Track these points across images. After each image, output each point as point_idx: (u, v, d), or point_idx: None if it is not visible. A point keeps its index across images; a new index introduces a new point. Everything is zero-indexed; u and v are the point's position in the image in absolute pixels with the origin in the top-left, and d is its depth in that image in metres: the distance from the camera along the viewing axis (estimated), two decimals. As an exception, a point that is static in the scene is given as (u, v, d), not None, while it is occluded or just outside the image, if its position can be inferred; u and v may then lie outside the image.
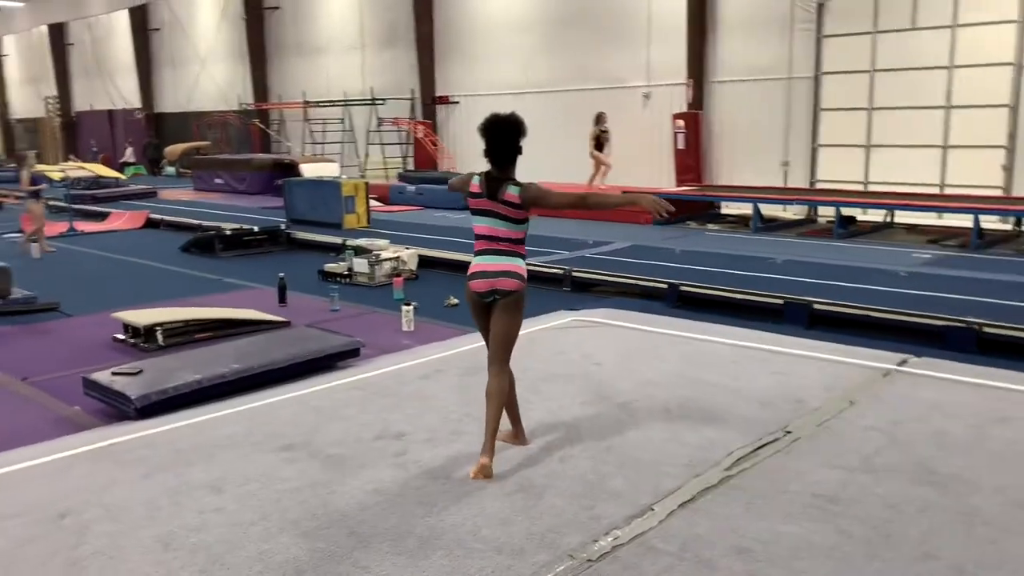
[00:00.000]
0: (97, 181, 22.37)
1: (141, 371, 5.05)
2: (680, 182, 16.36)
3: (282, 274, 8.00)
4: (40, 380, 5.65)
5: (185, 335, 6.62)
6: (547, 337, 6.11)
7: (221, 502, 3.44)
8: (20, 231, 13.82)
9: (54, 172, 22.30)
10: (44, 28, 34.12)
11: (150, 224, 14.50)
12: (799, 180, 15.37)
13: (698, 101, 16.27)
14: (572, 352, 5.68)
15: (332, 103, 22.78)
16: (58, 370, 5.88)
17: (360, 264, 8.89)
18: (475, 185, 3.86)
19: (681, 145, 16.38)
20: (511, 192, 3.78)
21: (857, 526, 3.17)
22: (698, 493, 3.46)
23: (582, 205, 4.36)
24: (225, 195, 19.30)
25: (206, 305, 7.65)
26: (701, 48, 16.15)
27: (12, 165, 26.52)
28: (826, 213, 13.32)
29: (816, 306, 6.87)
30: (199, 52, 28.38)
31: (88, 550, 3.04)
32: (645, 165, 16.68)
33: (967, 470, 3.67)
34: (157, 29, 30.19)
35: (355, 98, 22.40)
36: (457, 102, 21.16)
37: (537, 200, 3.84)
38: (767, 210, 14.22)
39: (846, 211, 12.77)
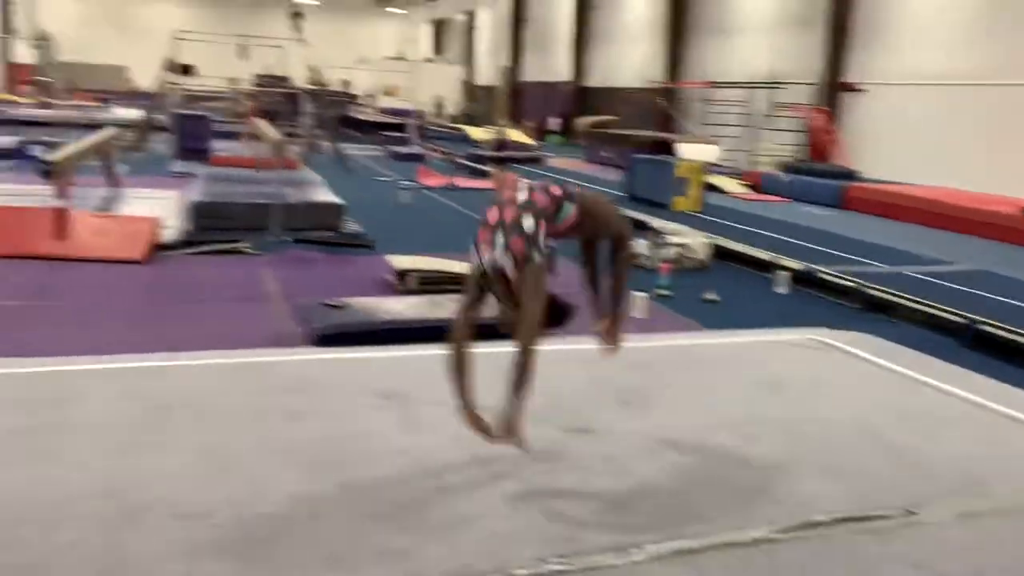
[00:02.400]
0: (512, 144, 24.65)
1: (344, 306, 5.63)
2: None
3: (553, 245, 8.18)
4: (300, 302, 6.54)
5: (437, 283, 7.16)
6: (762, 352, 5.49)
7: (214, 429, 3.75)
8: (414, 181, 15.87)
9: (476, 133, 25.07)
10: (509, 2, 38.21)
11: (518, 186, 15.62)
12: None
13: None
14: (762, 371, 5.04)
15: (733, 84, 22.28)
16: (321, 296, 6.74)
17: (642, 246, 8.72)
18: None
19: None
20: None
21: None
22: (707, 547, 2.94)
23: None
24: (605, 168, 20.03)
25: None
26: None
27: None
28: None
29: None
30: (626, 29, 29.55)
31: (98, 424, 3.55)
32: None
33: None
34: (596, 8, 32.03)
35: (757, 81, 21.64)
36: (866, 90, 19.34)
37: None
38: None
39: None
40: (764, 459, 3.73)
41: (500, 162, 11.85)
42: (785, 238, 10.52)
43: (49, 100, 25.91)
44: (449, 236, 10.47)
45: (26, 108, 24.09)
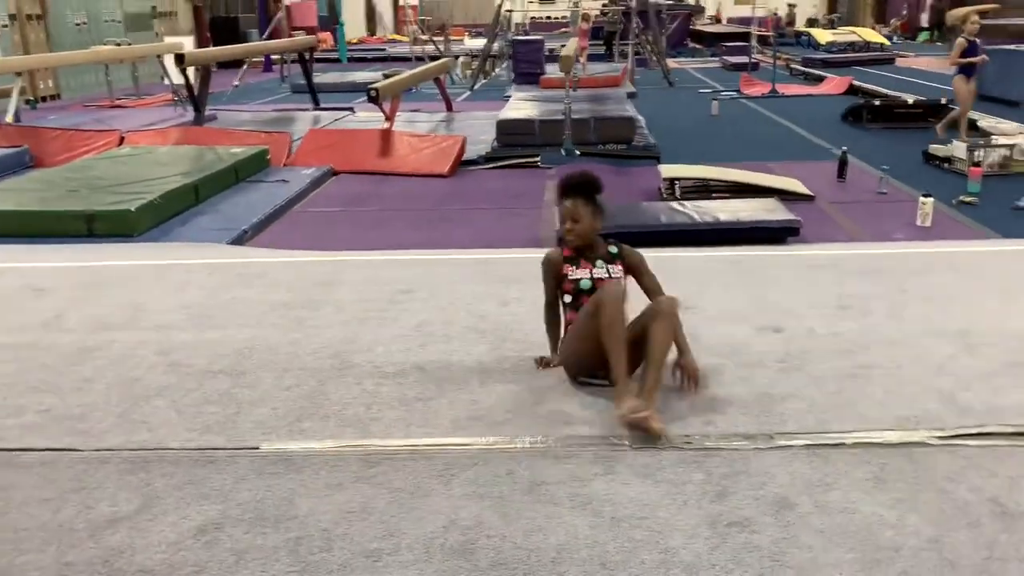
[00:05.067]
0: (867, 45, 22.69)
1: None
2: None
3: (845, 148, 7.66)
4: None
5: (702, 192, 7.14)
6: None
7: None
8: (737, 91, 15.38)
9: (823, 36, 23.28)
10: None
11: (852, 91, 14.40)
12: None
13: None
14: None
15: None
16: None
17: (959, 148, 7.75)
18: None
19: None
20: None
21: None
22: (799, 445, 2.84)
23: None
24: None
25: (762, 171, 7.84)
26: None
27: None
28: None
29: None
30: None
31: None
32: None
33: None
34: None
35: None
36: None
37: None
38: None
39: None
40: (967, 369, 3.40)
41: (965, 71, 9.01)
42: None
43: (421, 37, 28.91)
44: (742, 145, 10.20)
45: (401, 46, 27.14)
